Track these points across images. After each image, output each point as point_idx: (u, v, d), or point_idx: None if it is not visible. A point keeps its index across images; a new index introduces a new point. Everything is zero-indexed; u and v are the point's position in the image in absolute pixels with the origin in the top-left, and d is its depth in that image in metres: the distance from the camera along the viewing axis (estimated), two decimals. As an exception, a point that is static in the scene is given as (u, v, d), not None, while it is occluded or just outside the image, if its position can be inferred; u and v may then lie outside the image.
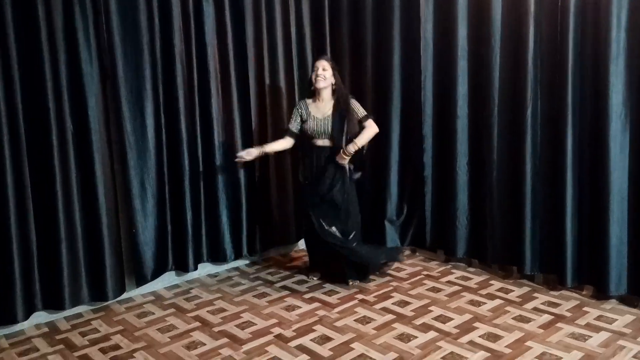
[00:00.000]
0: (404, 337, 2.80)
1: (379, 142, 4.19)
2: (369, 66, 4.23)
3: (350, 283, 3.53)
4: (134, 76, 3.30)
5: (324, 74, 3.37)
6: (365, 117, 3.43)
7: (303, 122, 3.47)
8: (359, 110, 3.45)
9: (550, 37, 3.24)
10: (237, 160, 3.48)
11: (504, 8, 3.44)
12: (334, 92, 3.44)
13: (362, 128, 3.41)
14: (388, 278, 3.66)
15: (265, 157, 3.99)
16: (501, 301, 3.22)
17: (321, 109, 3.44)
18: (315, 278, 3.67)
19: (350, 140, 3.37)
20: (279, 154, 4.06)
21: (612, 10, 2.90)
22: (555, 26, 3.20)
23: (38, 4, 2.87)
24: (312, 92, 3.50)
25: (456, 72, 3.71)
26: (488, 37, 3.50)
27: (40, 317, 3.13)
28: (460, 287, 3.46)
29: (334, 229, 3.42)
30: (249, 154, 3.44)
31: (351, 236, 3.48)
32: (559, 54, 3.18)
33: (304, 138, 3.54)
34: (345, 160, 3.38)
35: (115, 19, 3.18)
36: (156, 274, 3.53)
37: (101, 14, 3.13)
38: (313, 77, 3.41)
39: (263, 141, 3.98)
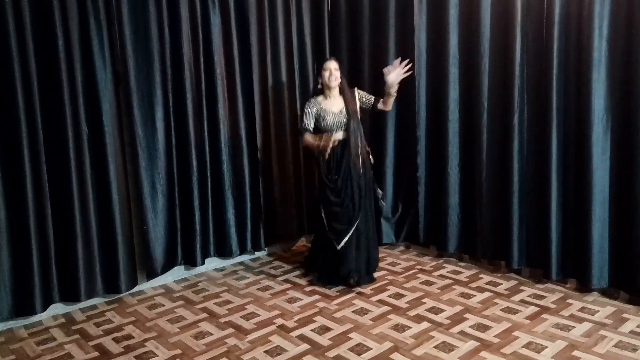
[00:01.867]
0: (399, 328, 2.81)
1: (376, 144, 4.20)
2: (366, 72, 4.23)
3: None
4: (145, 82, 3.31)
5: (336, 74, 3.39)
6: (378, 97, 3.49)
7: (318, 119, 3.42)
8: (368, 94, 3.50)
9: (536, 46, 3.25)
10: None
11: (492, 18, 3.45)
12: (340, 90, 3.46)
13: (379, 104, 3.47)
14: (384, 272, 3.66)
15: (269, 156, 4.02)
16: (490, 294, 3.22)
17: (335, 105, 3.42)
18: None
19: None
20: (282, 152, 4.08)
21: (595, 21, 2.91)
22: (541, 35, 3.21)
23: (55, 15, 2.88)
24: (319, 92, 3.49)
25: (448, 79, 3.71)
26: (477, 45, 3.50)
27: (57, 308, 3.14)
28: (452, 281, 3.47)
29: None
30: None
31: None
32: (544, 61, 3.18)
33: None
34: (393, 89, 3.31)
35: (128, 28, 3.19)
36: (166, 268, 3.53)
37: (114, 24, 3.14)
38: (326, 77, 3.38)
39: (267, 142, 4.00)
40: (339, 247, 3.34)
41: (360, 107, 3.47)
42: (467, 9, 3.59)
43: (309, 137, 3.43)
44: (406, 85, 4.02)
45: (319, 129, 3.45)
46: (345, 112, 3.39)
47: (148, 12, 3.27)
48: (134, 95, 3.25)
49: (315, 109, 3.44)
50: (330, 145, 3.34)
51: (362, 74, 4.24)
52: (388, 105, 3.45)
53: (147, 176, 3.36)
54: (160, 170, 3.42)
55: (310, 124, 3.44)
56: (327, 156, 3.37)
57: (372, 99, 3.49)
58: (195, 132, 3.55)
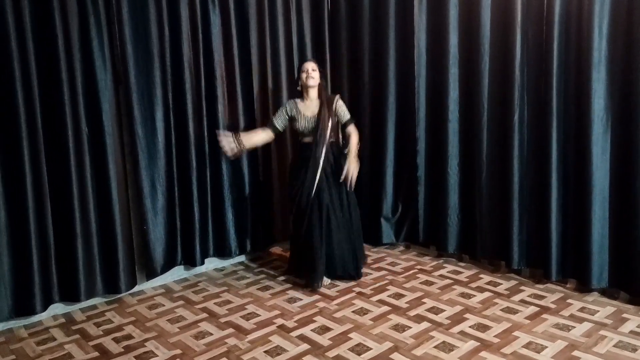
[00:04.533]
0: (399, 328, 2.81)
1: (376, 144, 4.21)
2: (366, 72, 4.23)
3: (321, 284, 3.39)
4: (145, 82, 3.31)
5: (313, 74, 3.38)
6: (350, 121, 3.45)
7: (292, 120, 3.44)
8: (345, 113, 3.45)
9: (536, 46, 3.25)
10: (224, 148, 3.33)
11: (492, 18, 3.45)
12: (319, 92, 3.45)
13: (345, 131, 3.46)
14: (384, 272, 3.66)
15: (268, 157, 4.01)
16: (490, 294, 3.22)
17: (310, 108, 3.42)
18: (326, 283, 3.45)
19: (335, 140, 3.46)
20: (282, 153, 4.07)
21: (594, 21, 2.91)
22: (541, 35, 3.20)
23: (55, 14, 2.87)
24: (299, 93, 3.48)
25: (448, 79, 3.71)
26: (477, 45, 3.50)
27: (57, 308, 3.14)
28: (452, 281, 3.46)
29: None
30: (229, 145, 3.30)
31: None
32: (544, 61, 3.18)
33: (298, 142, 3.53)
34: (353, 167, 3.35)
35: (128, 28, 3.18)
36: (166, 268, 3.53)
37: (114, 24, 3.14)
38: (303, 76, 3.38)
39: (266, 144, 3.98)
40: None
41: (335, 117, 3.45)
42: (467, 9, 3.59)
43: (254, 133, 3.45)
44: (406, 85, 4.06)
45: (294, 130, 3.51)
46: (316, 118, 3.38)
47: (148, 12, 3.26)
48: (134, 95, 3.25)
49: (289, 108, 3.44)
50: (230, 152, 3.33)
51: (362, 74, 4.24)
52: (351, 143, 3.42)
53: (147, 176, 3.36)
54: (160, 170, 3.42)
55: (278, 121, 3.45)
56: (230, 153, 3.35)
57: (346, 119, 3.45)
58: (195, 132, 3.54)
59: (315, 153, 3.34)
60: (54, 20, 2.87)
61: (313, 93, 3.43)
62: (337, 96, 3.49)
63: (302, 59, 3.83)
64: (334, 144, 3.45)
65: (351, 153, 3.38)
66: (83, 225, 3.07)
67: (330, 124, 3.36)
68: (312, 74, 3.37)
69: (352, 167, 3.34)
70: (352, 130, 3.44)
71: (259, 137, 3.48)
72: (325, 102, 3.40)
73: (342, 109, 3.46)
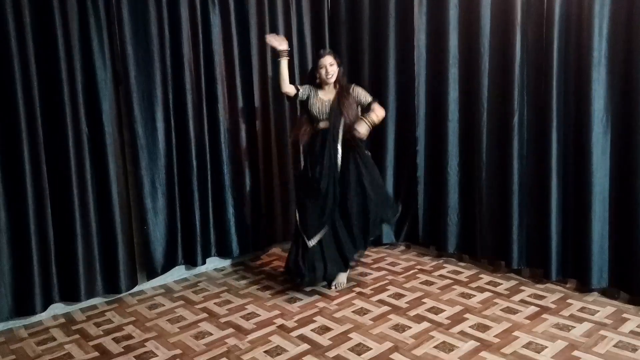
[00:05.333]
0: (399, 328, 2.80)
1: (376, 145, 4.20)
2: (366, 73, 4.22)
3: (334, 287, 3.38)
4: (145, 82, 3.30)
5: (331, 70, 3.25)
6: (373, 101, 3.32)
7: (308, 101, 3.28)
8: (366, 96, 3.33)
9: (536, 46, 3.25)
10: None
11: (492, 18, 3.45)
12: (336, 80, 3.32)
13: (370, 109, 3.31)
14: (384, 272, 3.66)
15: (269, 155, 4.01)
16: (490, 294, 3.22)
17: (327, 93, 3.30)
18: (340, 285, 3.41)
19: (352, 123, 3.24)
20: (282, 152, 4.08)
21: (594, 21, 2.90)
22: (541, 36, 3.20)
23: (55, 14, 2.87)
24: (318, 85, 3.34)
25: (448, 79, 3.70)
26: (477, 46, 3.50)
27: (58, 308, 3.13)
28: (452, 281, 3.46)
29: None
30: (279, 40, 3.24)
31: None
32: (544, 61, 3.18)
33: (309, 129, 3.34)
34: (363, 129, 3.20)
35: (128, 28, 3.18)
36: (166, 268, 3.53)
37: (114, 24, 3.13)
38: (322, 73, 3.24)
39: (267, 142, 4.00)
40: (310, 245, 3.23)
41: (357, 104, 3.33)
42: (467, 9, 3.59)
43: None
44: (406, 85, 4.06)
45: (308, 113, 3.33)
46: (331, 104, 3.26)
47: (148, 12, 3.26)
48: (134, 95, 3.24)
49: (310, 88, 3.31)
50: (304, 138, 3.28)
51: (362, 74, 4.23)
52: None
53: (147, 176, 3.35)
54: (160, 170, 3.41)
55: (301, 89, 3.29)
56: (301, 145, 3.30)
57: (369, 100, 3.32)
58: (195, 132, 3.54)
59: (331, 137, 3.22)
60: (54, 20, 2.87)
61: (331, 85, 3.32)
62: (353, 85, 3.38)
63: (317, 53, 3.54)
64: (355, 137, 3.27)
65: (368, 114, 3.26)
66: (83, 225, 3.07)
67: (350, 111, 3.25)
68: (330, 70, 3.25)
69: (360, 127, 3.20)
70: (377, 106, 3.31)
71: (286, 72, 3.26)
72: (344, 88, 3.30)
73: (362, 93, 3.32)
